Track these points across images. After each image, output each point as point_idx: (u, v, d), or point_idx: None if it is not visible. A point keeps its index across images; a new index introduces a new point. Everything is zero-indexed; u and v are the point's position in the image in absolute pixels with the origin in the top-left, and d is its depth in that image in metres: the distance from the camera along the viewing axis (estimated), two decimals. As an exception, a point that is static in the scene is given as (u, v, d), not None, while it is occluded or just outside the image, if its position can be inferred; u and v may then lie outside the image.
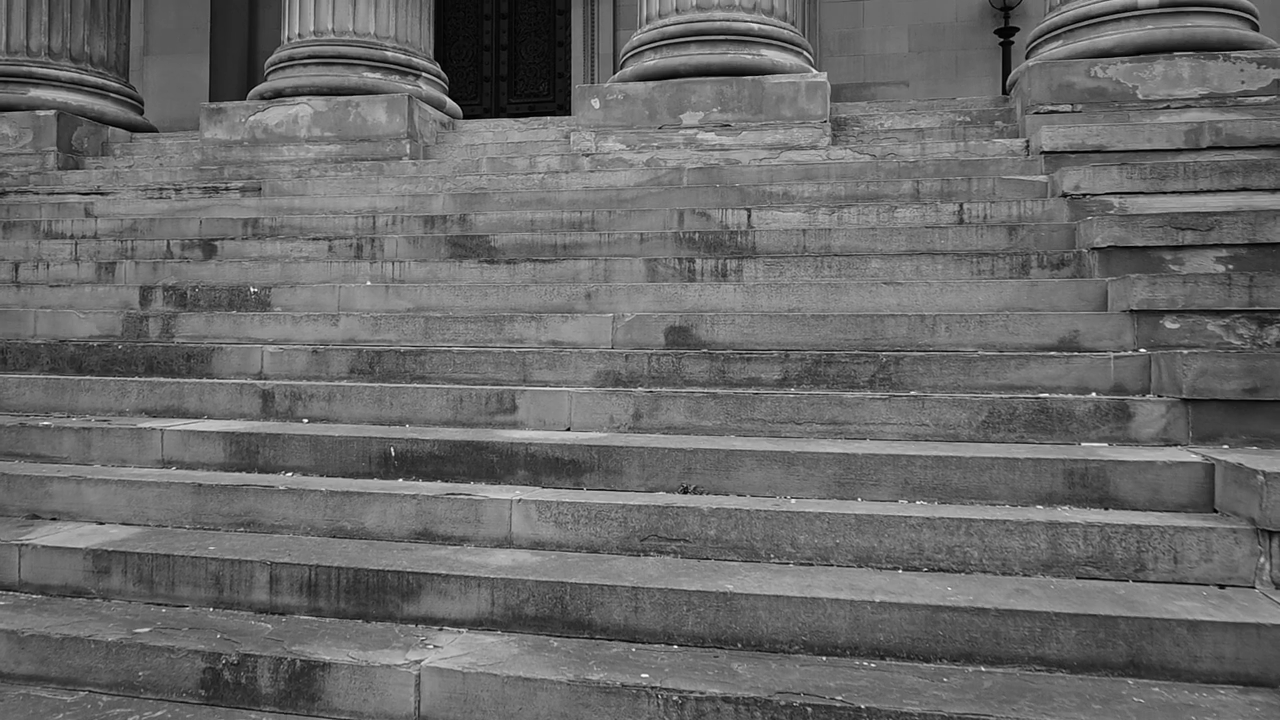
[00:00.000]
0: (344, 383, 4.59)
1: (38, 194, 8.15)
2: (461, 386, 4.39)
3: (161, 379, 4.80)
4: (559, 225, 6.15)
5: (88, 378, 4.86)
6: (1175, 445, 3.67)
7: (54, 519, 3.88)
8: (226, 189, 7.63)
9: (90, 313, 5.60)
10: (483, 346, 4.89)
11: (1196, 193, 5.41)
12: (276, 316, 5.28)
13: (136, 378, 4.88)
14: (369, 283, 5.72)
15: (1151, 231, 4.84)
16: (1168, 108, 6.45)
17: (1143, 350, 4.17)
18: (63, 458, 4.28)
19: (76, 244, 6.69)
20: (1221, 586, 3.04)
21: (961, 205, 5.66)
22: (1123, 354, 4.09)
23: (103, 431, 4.26)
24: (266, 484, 3.73)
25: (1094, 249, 4.92)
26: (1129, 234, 4.84)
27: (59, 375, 5.03)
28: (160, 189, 7.85)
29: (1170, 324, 4.24)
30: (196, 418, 4.54)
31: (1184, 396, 3.67)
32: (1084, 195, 5.54)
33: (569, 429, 4.15)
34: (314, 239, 6.27)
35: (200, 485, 3.74)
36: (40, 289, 6.04)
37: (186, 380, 4.74)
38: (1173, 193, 5.45)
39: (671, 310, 5.02)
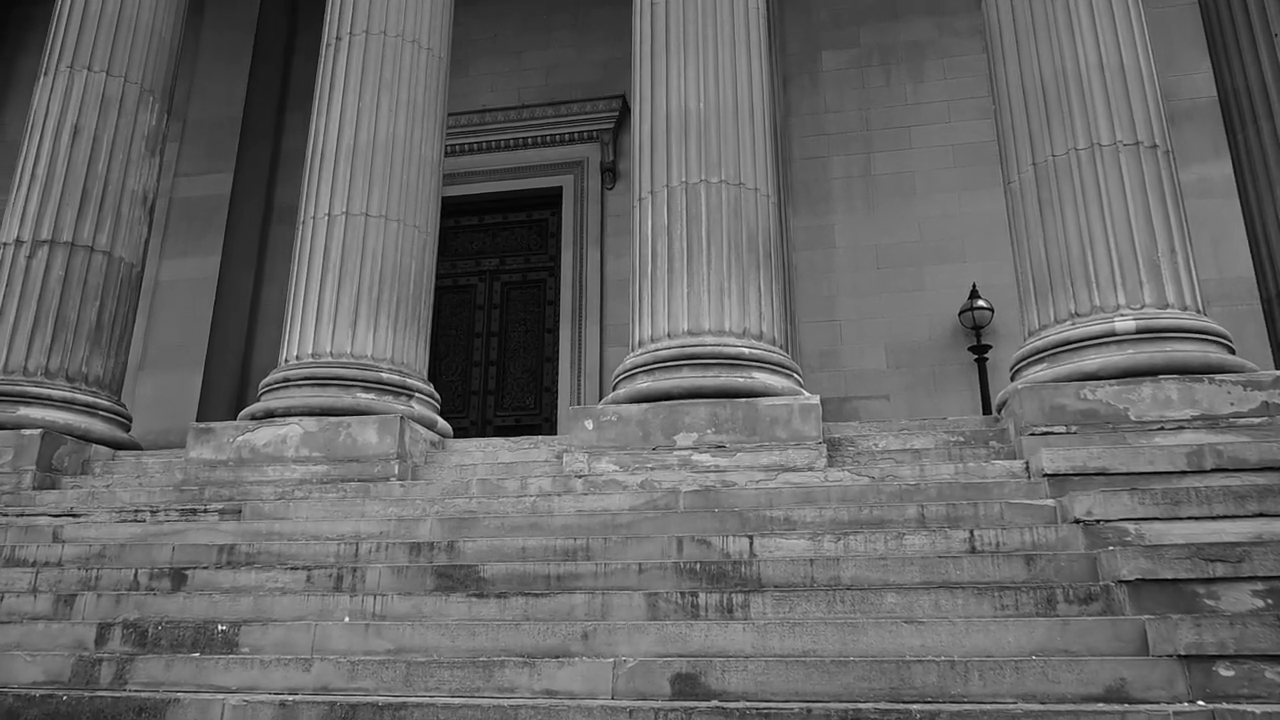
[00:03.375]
0: (311, 744, 4.08)
1: (6, 515, 7.83)
2: (445, 750, 3.90)
3: (105, 739, 4.28)
4: (552, 553, 5.86)
5: (21, 738, 4.33)
6: (1268, 825, 3.21)
7: None
8: (205, 511, 7.36)
9: (39, 654, 5.12)
10: (470, 696, 4.42)
11: (1213, 518, 5.25)
12: (244, 660, 4.82)
13: (76, 737, 4.35)
14: (347, 619, 5.31)
15: (1179, 563, 4.61)
16: (1161, 429, 6.47)
17: (1201, 703, 3.80)
18: (-28, 845, 3.67)
19: (38, 572, 6.30)
20: None
21: (971, 532, 5.45)
22: (1181, 708, 3.72)
23: (25, 811, 3.68)
24: None
25: (1120, 581, 4.66)
26: (1156, 566, 4.61)
27: (-11, 733, 4.48)
28: (136, 510, 7.57)
29: (1225, 671, 3.90)
30: (138, 790, 3.97)
31: (1266, 765, 3.27)
32: (1097, 521, 5.36)
33: (567, 805, 3.62)
34: (292, 568, 5.92)
35: None
36: (-12, 626, 5.57)
37: (133, 741, 4.22)
38: (1189, 518, 5.28)
39: (676, 654, 4.61)
